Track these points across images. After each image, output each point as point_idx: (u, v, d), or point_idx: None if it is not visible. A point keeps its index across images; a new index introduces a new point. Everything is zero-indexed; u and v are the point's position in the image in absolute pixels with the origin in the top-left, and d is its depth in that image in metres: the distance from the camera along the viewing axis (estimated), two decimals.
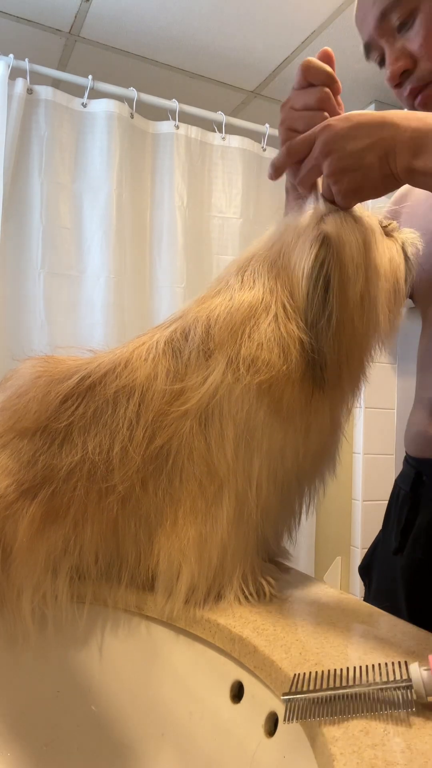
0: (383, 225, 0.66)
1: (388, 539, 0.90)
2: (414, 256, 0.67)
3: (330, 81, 0.64)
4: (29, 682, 0.64)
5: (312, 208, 0.65)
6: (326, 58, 0.65)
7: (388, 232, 0.66)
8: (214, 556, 0.60)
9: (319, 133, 0.60)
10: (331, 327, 0.59)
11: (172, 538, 0.61)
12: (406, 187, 0.90)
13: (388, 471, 2.23)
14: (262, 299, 0.61)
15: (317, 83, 0.64)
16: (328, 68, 0.64)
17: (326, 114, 0.64)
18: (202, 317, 0.62)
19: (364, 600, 0.90)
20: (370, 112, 0.60)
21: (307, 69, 0.64)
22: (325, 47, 0.65)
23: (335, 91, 0.65)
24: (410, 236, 0.68)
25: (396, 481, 0.94)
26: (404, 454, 0.92)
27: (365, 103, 2.23)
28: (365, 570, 0.94)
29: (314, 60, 0.64)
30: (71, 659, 0.64)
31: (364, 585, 0.93)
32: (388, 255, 0.64)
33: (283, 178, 0.72)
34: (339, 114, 0.65)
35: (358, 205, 0.65)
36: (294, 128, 0.65)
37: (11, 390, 0.65)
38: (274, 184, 2.16)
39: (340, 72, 0.66)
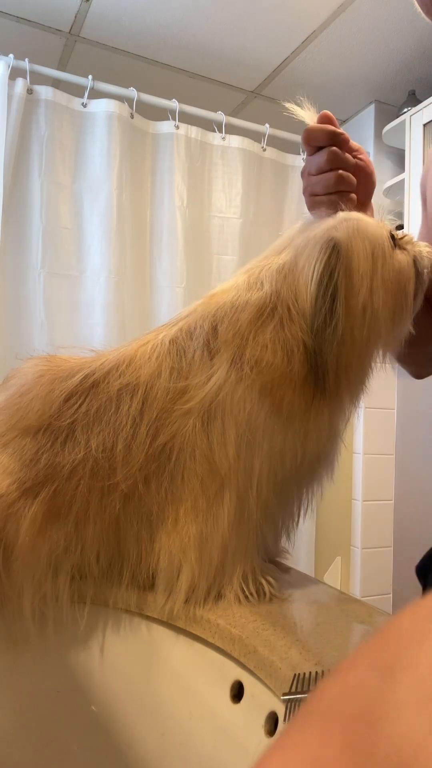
0: (398, 237, 0.65)
1: None
2: (426, 269, 0.66)
3: (332, 138, 0.67)
4: (29, 682, 0.64)
5: (326, 215, 0.65)
6: (325, 119, 0.67)
7: (401, 245, 0.65)
8: (214, 555, 0.60)
9: None
10: (336, 335, 0.59)
11: (173, 536, 0.61)
12: None
13: (388, 471, 2.23)
14: (270, 301, 0.61)
15: (322, 144, 0.67)
16: (327, 127, 0.67)
17: (340, 172, 0.67)
18: (208, 316, 0.63)
19: None
20: None
21: (308, 135, 0.67)
22: (324, 110, 0.68)
23: (342, 143, 0.67)
24: (424, 249, 0.67)
25: None
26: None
27: (365, 103, 2.24)
28: (422, 571, 0.94)
29: (312, 125, 0.67)
30: (71, 659, 0.64)
31: (422, 586, 0.93)
32: (397, 267, 0.63)
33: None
34: (352, 164, 0.68)
35: (371, 214, 0.65)
36: (314, 192, 0.69)
37: (14, 389, 0.65)
38: (274, 185, 2.17)
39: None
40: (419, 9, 0.72)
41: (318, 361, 0.59)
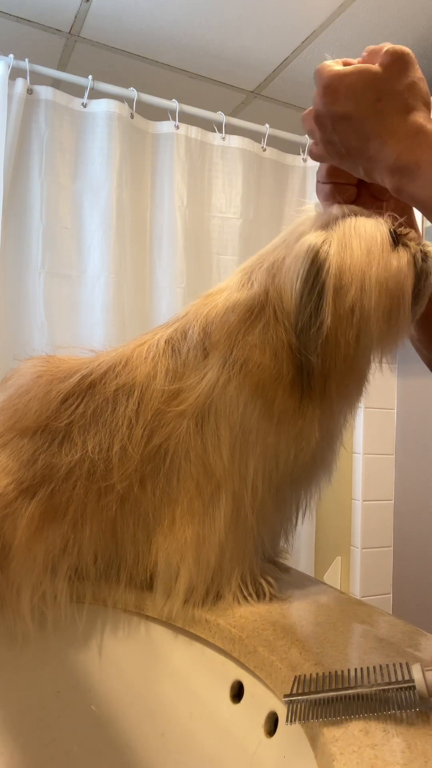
0: (400, 233, 0.62)
1: None
2: (429, 267, 0.62)
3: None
4: (29, 682, 0.64)
5: (323, 212, 0.63)
6: None
7: (404, 242, 0.62)
8: (211, 557, 0.60)
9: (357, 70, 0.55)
10: (321, 335, 0.58)
11: (169, 538, 0.60)
12: None
13: (388, 471, 2.22)
14: (258, 300, 0.61)
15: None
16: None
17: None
18: (201, 316, 0.62)
19: None
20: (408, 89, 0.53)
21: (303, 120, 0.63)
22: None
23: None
24: (427, 248, 0.63)
25: None
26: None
27: None
28: None
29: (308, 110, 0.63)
30: (71, 659, 0.64)
31: None
32: (396, 266, 0.60)
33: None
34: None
35: (371, 213, 0.62)
36: (317, 179, 0.66)
37: (12, 389, 0.65)
38: (274, 185, 2.17)
39: None
40: None
41: (303, 361, 0.58)
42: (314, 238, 0.59)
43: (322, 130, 0.56)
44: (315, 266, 0.58)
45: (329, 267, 0.58)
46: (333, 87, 0.55)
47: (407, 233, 0.63)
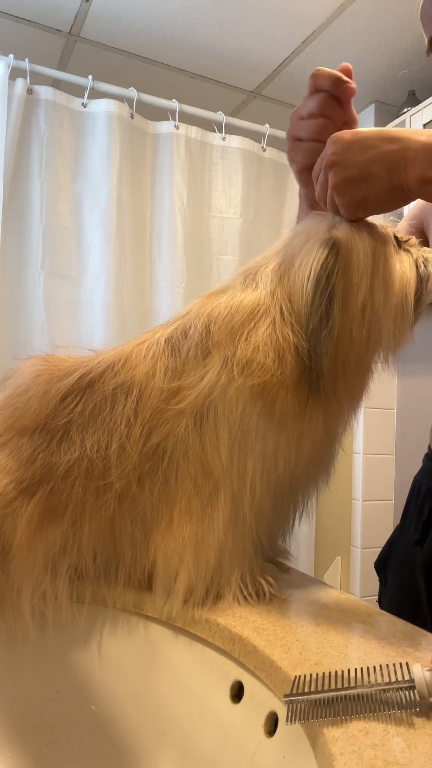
0: (402, 239, 0.64)
1: (406, 534, 0.90)
2: (429, 273, 0.64)
3: (335, 84, 0.62)
4: (29, 682, 0.64)
5: (328, 215, 0.64)
6: (346, 71, 0.63)
7: (405, 248, 0.64)
8: (211, 557, 0.60)
9: (326, 146, 0.59)
10: (332, 337, 0.58)
11: (167, 537, 0.60)
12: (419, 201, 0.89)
13: (388, 471, 2.23)
14: (263, 302, 0.61)
15: (324, 89, 0.63)
16: (334, 72, 0.62)
17: (328, 119, 0.63)
18: (203, 316, 0.62)
19: (380, 595, 0.91)
20: (377, 128, 0.60)
21: (314, 76, 0.63)
22: (345, 63, 0.64)
23: (344, 92, 0.63)
24: (428, 255, 0.65)
25: (415, 478, 0.95)
26: (420, 453, 0.94)
27: (365, 103, 2.24)
28: (381, 565, 0.95)
29: (323, 68, 0.63)
30: (71, 659, 0.64)
31: (380, 580, 0.94)
32: (399, 269, 0.62)
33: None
34: (345, 118, 0.64)
35: (373, 217, 0.64)
36: (297, 136, 0.66)
37: (11, 388, 0.65)
38: (274, 185, 2.17)
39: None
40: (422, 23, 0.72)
41: (312, 364, 0.58)
42: (323, 240, 0.59)
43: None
44: (326, 268, 0.58)
45: (338, 269, 0.58)
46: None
47: (408, 239, 0.65)
